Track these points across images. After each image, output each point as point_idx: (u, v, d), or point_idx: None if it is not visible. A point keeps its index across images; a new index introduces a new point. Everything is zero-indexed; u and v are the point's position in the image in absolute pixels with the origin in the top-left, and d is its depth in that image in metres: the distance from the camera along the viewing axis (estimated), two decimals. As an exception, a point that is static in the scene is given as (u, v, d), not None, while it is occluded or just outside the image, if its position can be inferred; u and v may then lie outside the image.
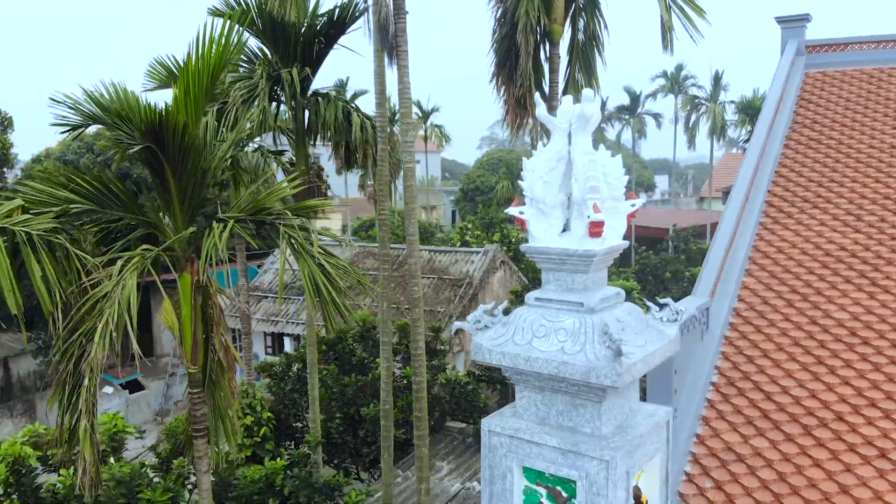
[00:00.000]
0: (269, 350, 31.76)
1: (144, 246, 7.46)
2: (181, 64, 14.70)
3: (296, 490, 12.18)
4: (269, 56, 12.49)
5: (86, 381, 6.39)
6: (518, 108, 12.07)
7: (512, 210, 5.18)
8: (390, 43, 10.70)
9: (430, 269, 28.57)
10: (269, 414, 16.55)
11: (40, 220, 6.84)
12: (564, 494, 5.01)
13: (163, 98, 7.62)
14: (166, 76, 14.35)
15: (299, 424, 18.90)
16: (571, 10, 12.21)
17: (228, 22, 7.22)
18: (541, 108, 5.16)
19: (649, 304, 5.46)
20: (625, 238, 5.26)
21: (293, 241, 7.45)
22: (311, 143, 13.28)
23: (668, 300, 5.44)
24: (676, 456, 7.22)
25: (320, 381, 17.99)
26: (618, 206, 5.20)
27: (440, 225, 53.86)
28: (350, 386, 17.09)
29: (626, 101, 54.66)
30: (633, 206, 5.27)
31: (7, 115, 28.13)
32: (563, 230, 5.29)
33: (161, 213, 7.80)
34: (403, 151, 11.18)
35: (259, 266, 33.29)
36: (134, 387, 30.53)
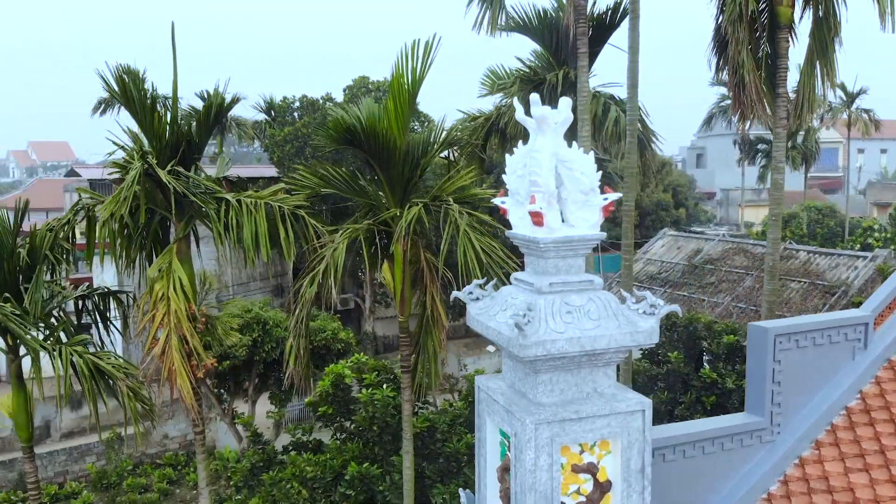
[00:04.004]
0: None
1: (366, 221, 9.89)
2: (501, 74, 17.09)
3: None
4: (549, 58, 13.85)
5: (297, 311, 9.07)
6: (741, 99, 10.95)
7: (496, 200, 6.00)
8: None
9: (803, 271, 25.90)
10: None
11: (293, 199, 9.76)
12: (517, 450, 5.73)
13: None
14: (496, 83, 16.84)
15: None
16: (807, -10, 10.52)
17: (422, 49, 9.05)
18: (519, 112, 5.88)
19: (626, 294, 5.70)
20: None
21: (458, 223, 8.98)
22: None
23: (646, 293, 5.63)
24: (758, 472, 6.79)
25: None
26: (588, 199, 5.61)
27: (881, 226, 45.71)
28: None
29: None
30: (605, 199, 5.61)
31: None
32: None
33: (382, 198, 10.10)
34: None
35: (632, 254, 34.21)
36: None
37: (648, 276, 31.50)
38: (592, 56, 13.52)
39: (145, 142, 9.55)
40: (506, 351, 5.65)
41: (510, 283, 6.00)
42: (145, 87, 9.88)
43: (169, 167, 9.13)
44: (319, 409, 14.74)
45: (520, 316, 5.14)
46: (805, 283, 25.86)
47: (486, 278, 6.19)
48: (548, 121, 5.51)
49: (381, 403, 13.27)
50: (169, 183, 8.83)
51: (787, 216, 47.62)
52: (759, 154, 46.21)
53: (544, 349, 5.17)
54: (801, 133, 43.44)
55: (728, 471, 6.77)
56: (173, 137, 9.40)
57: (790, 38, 11.29)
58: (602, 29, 13.08)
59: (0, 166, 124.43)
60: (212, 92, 9.98)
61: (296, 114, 33.09)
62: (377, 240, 9.65)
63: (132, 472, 23.39)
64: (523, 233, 5.69)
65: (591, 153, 5.65)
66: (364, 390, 14.20)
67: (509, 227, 5.91)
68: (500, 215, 7.62)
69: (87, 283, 12.45)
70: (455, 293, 6.26)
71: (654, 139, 14.41)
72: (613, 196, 5.59)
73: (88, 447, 24.22)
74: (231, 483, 15.12)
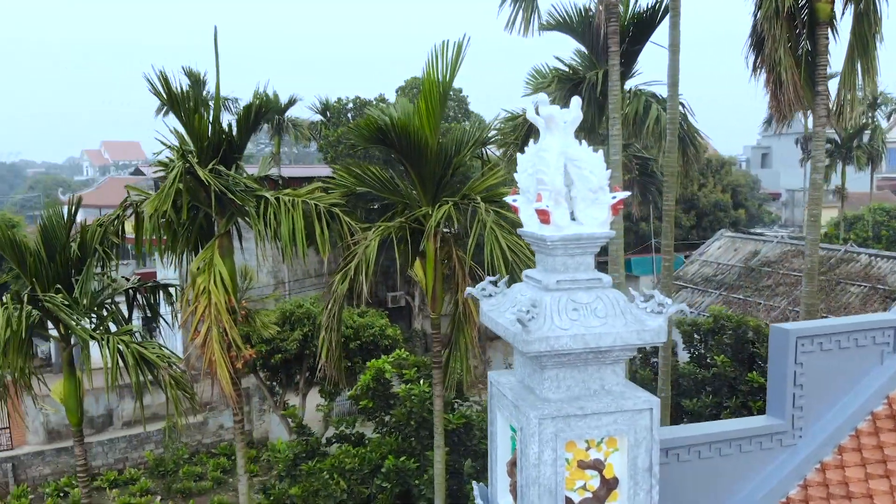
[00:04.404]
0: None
1: (398, 219, 10.10)
2: (545, 73, 17.05)
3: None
4: (590, 57, 13.78)
5: (329, 305, 9.32)
6: (779, 97, 10.59)
7: (508, 198, 6.10)
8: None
9: (863, 275, 24.95)
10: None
11: (329, 197, 10.04)
12: (525, 444, 5.82)
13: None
14: (540, 82, 16.83)
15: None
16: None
17: (453, 48, 9.19)
18: (530, 111, 5.96)
19: (634, 293, 5.71)
20: None
21: (486, 220, 9.08)
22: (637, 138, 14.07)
23: (655, 292, 5.65)
24: (777, 476, 6.70)
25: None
26: (597, 197, 5.65)
27: None
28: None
29: None
30: (614, 197, 5.64)
31: None
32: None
33: (414, 196, 10.28)
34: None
35: (686, 256, 33.58)
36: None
37: (704, 278, 30.84)
38: (634, 54, 13.44)
39: (190, 142, 10.02)
40: (515, 347, 5.75)
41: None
42: (205, 88, 10.45)
43: (210, 166, 9.56)
44: (360, 403, 15.08)
45: (523, 312, 5.22)
46: (865, 287, 24.92)
47: (499, 275, 6.28)
48: (555, 120, 5.58)
49: (417, 399, 13.50)
50: (208, 181, 9.25)
51: (852, 218, 45.94)
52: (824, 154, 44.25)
53: (548, 345, 5.25)
54: (867, 132, 41.78)
55: (746, 473, 6.70)
56: (215, 137, 9.84)
57: (831, 35, 10.94)
58: (643, 27, 12.95)
59: (75, 165, 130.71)
60: (270, 95, 10.38)
61: (350, 114, 33.72)
62: (408, 237, 9.85)
63: (188, 461, 24.28)
64: (532, 230, 5.77)
65: (601, 152, 5.68)
66: (403, 385, 14.46)
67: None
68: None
69: (139, 277, 13.07)
70: (468, 290, 6.37)
71: (698, 137, 14.15)
72: (622, 194, 5.62)
73: (147, 435, 25.23)
74: (275, 472, 15.61)
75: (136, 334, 10.35)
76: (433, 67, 9.32)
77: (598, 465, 5.61)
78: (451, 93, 36.56)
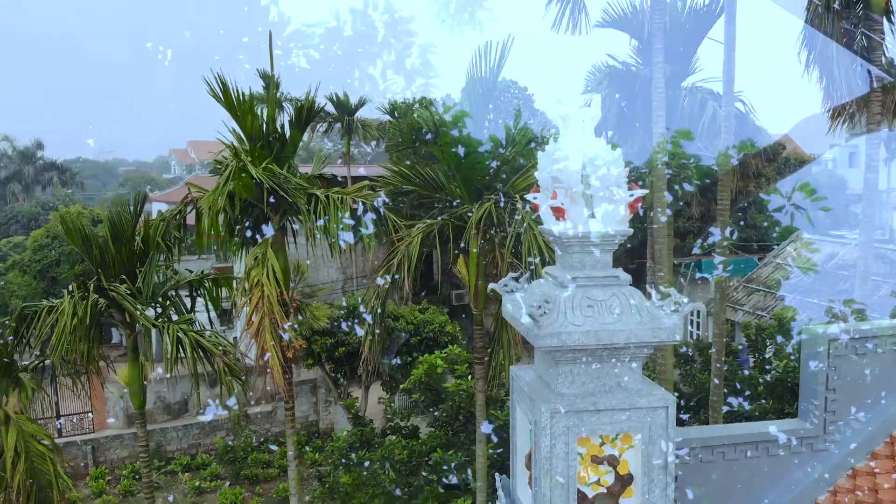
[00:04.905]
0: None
1: (441, 217, 10.32)
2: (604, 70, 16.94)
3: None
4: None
5: (372, 301, 9.64)
6: (831, 94, 10.11)
7: (529, 196, 6.22)
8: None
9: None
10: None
11: (375, 194, 10.36)
12: (543, 436, 5.93)
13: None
14: (595, 79, 16.74)
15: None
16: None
17: (499, 51, 9.35)
18: (551, 110, 6.05)
19: (652, 291, 5.74)
20: None
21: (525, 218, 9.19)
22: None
23: (672, 290, 5.67)
24: (806, 481, 6.59)
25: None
26: (614, 195, 5.72)
27: None
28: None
29: None
30: (631, 195, 5.70)
31: None
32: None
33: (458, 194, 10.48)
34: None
35: (760, 258, 32.47)
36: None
37: (778, 281, 29.84)
38: (691, 50, 13.19)
39: (246, 141, 10.53)
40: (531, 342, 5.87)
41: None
42: (279, 90, 11.03)
43: (263, 164, 10.04)
44: (413, 396, 15.40)
45: (534, 307, 5.34)
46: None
47: (520, 272, 6.40)
48: (573, 118, 5.67)
49: (465, 394, 13.69)
50: (261, 179, 9.72)
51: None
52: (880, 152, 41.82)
53: (559, 340, 5.34)
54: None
55: (774, 477, 6.60)
56: (268, 137, 10.30)
57: (888, 29, 10.42)
58: (700, 23, 12.71)
59: (163, 163, 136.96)
60: (341, 96, 10.77)
61: (416, 114, 34.16)
62: (451, 234, 10.05)
63: (256, 448, 25.19)
64: (550, 227, 5.87)
65: (619, 150, 5.73)
66: (453, 381, 14.68)
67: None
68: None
69: (206, 270, 13.78)
70: (492, 285, 6.53)
71: (762, 134, 13.74)
72: (640, 192, 5.66)
73: (220, 423, 26.29)
74: (330, 461, 16.13)
75: (195, 323, 10.97)
76: (476, 69, 9.50)
77: (611, 461, 5.66)
78: (515, 90, 36.58)
